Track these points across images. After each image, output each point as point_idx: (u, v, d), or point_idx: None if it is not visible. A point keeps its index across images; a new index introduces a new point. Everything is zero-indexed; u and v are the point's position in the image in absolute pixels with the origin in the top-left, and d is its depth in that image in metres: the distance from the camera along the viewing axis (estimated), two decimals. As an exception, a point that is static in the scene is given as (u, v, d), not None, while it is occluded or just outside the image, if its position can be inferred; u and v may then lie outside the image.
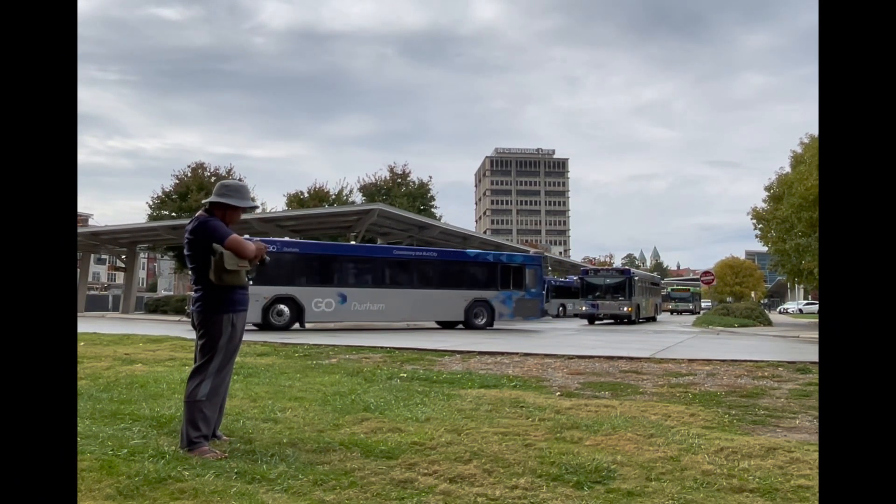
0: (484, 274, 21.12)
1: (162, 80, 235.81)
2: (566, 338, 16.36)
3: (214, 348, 3.63)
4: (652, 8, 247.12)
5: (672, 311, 51.29)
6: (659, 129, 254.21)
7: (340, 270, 19.13)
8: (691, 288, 58.74)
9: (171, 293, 54.08)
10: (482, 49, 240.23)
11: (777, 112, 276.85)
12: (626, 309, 27.50)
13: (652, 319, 32.57)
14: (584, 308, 28.66)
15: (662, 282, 51.01)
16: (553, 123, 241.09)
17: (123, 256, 36.68)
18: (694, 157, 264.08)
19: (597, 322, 28.33)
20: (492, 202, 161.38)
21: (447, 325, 20.92)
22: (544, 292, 24.29)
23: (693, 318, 38.67)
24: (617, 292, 28.13)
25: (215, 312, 3.63)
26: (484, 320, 20.57)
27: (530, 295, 21.78)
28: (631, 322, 27.60)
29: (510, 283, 21.33)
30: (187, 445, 3.49)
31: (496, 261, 21.62)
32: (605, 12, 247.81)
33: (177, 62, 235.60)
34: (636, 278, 29.00)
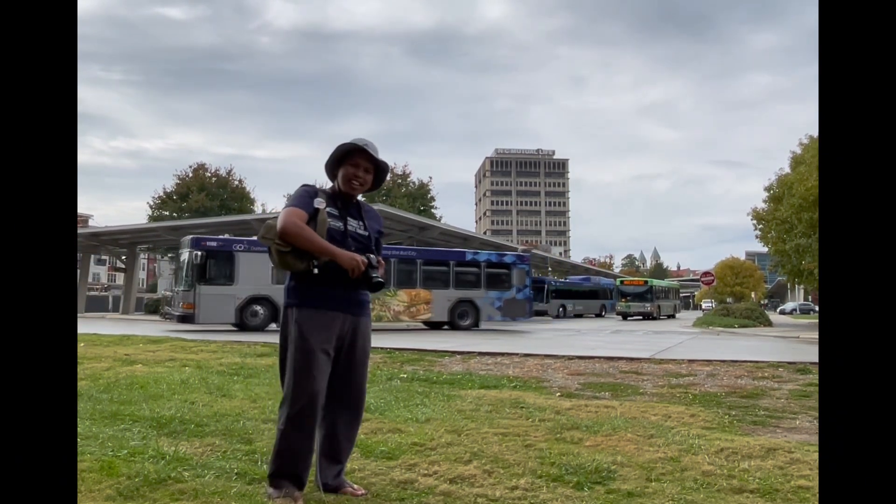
0: None
1: (166, 80, 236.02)
2: (566, 338, 16.36)
3: (279, 352, 2.90)
4: (659, 7, 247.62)
5: (623, 316, 36.43)
6: (664, 128, 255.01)
7: None
8: (653, 281, 40.53)
9: (172, 294, 54.03)
10: (488, 48, 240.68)
11: (783, 112, 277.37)
12: (183, 305, 17.38)
13: (439, 326, 20.17)
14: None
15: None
16: (558, 123, 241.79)
17: (123, 257, 36.67)
18: (698, 157, 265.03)
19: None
20: (492, 203, 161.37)
21: None
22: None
23: (650, 324, 28.45)
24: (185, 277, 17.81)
25: (284, 306, 2.91)
26: None
27: None
28: (236, 330, 17.03)
29: None
30: (268, 477, 2.80)
31: None
32: (612, 11, 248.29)
33: (181, 62, 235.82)
34: (194, 250, 16.97)
